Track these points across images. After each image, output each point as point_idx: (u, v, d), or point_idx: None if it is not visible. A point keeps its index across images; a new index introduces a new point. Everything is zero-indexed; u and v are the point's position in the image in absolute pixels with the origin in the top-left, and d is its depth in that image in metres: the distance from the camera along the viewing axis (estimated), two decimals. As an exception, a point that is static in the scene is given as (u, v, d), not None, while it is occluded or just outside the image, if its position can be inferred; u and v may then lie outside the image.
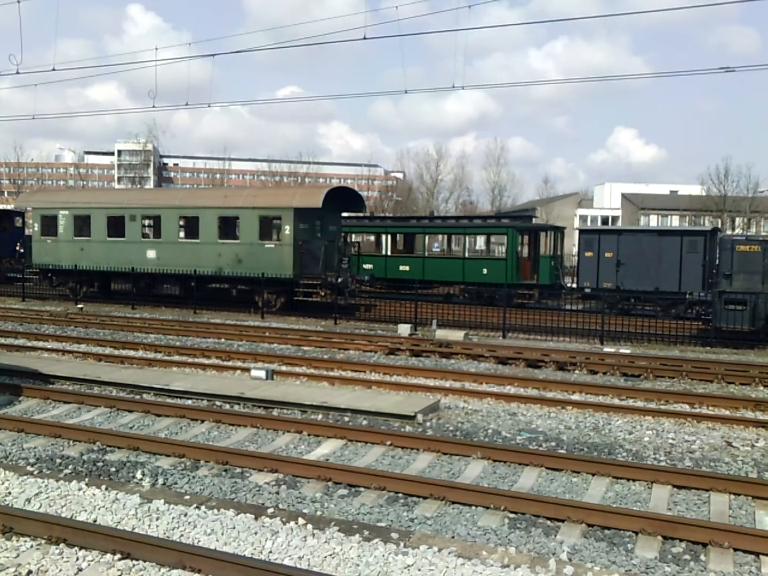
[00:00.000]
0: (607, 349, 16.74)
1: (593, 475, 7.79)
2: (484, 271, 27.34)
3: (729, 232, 55.17)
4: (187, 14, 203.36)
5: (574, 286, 25.86)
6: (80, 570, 5.28)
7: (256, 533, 5.88)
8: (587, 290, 24.69)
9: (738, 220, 60.45)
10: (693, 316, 21.84)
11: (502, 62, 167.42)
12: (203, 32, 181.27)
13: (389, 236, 30.88)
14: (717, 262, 21.37)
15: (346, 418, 10.04)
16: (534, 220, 34.10)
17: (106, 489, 6.89)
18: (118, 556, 5.40)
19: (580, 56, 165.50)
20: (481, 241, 33.01)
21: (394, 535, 5.96)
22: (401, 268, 28.75)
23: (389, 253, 30.13)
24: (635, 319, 19.25)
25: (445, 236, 33.41)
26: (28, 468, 7.70)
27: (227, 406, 10.58)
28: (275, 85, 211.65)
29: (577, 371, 14.16)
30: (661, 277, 23.28)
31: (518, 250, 27.71)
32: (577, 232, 30.85)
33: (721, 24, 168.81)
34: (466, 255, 29.34)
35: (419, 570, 5.27)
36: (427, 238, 30.50)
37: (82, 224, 26.73)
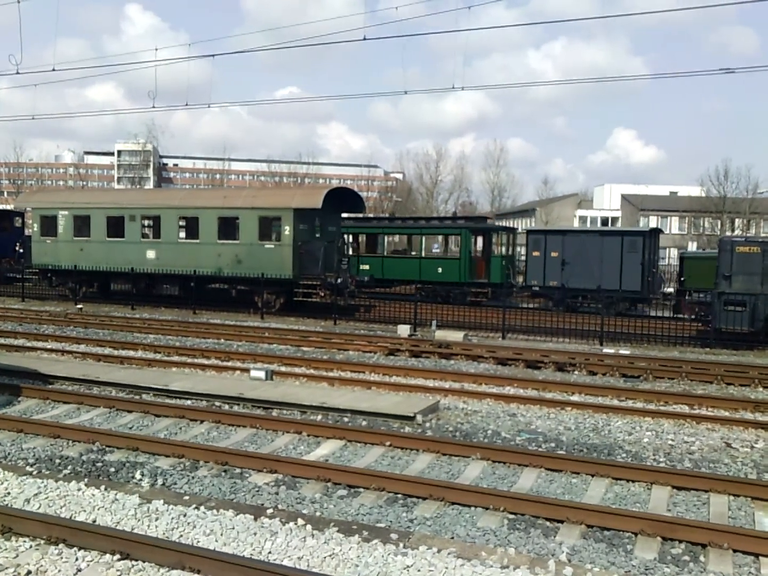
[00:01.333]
0: (606, 350, 16.74)
1: (593, 476, 7.79)
2: (440, 270, 28.31)
3: (728, 233, 55.18)
4: (185, 14, 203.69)
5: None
6: (79, 570, 5.27)
7: (255, 534, 5.88)
8: (535, 288, 25.68)
9: (737, 222, 60.42)
10: (636, 313, 22.64)
11: (501, 63, 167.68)
12: (201, 32, 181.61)
13: (351, 237, 31.39)
14: (648, 260, 23.60)
15: (346, 419, 10.04)
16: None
17: (106, 489, 6.89)
18: (118, 556, 5.40)
19: (579, 56, 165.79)
20: (436, 242, 33.95)
21: (394, 536, 5.96)
22: (362, 267, 29.51)
23: (351, 252, 30.68)
24: (635, 320, 19.25)
25: (404, 237, 33.97)
26: (28, 468, 7.70)
27: (227, 407, 10.57)
28: (274, 86, 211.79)
29: (576, 372, 14.17)
30: (603, 276, 24.10)
31: (471, 250, 28.70)
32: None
33: (720, 25, 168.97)
34: (423, 255, 30.12)
35: (418, 571, 5.27)
36: (386, 238, 31.03)
37: (81, 224, 26.71)
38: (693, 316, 19.94)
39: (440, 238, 32.93)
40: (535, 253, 25.92)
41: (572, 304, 24.31)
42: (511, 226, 35.14)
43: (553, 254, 25.41)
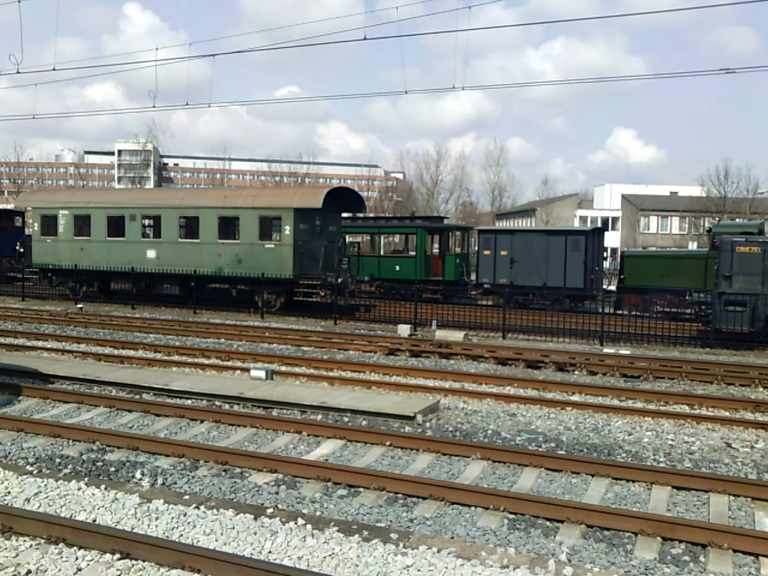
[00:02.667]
0: (606, 350, 16.74)
1: (593, 476, 7.79)
2: (397, 268, 29.30)
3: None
4: (183, 13, 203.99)
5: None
6: (79, 570, 5.27)
7: (255, 533, 5.88)
8: (486, 286, 26.52)
9: (738, 221, 60.39)
10: (583, 310, 23.39)
11: (500, 62, 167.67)
12: (200, 31, 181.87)
13: None
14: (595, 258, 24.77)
15: (346, 419, 10.04)
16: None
17: (106, 489, 6.89)
18: (118, 555, 5.40)
19: (578, 56, 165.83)
20: (394, 240, 34.49)
21: (394, 536, 5.96)
22: None
23: None
24: (635, 320, 19.26)
25: (365, 236, 34.44)
26: (28, 467, 7.70)
27: (227, 406, 10.58)
28: (273, 85, 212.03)
29: (576, 372, 14.17)
30: (548, 274, 25.18)
31: (427, 248, 29.59)
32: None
33: (718, 24, 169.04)
34: (381, 253, 30.84)
35: (418, 570, 5.27)
36: (347, 238, 31.46)
37: (82, 224, 26.72)
38: (634, 313, 20.83)
39: (397, 237, 33.48)
40: (486, 252, 26.84)
41: (523, 301, 25.11)
42: (510, 227, 35.45)
43: (503, 253, 26.38)
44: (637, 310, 21.75)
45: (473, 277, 29.75)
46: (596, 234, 26.56)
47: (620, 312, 21.93)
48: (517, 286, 25.39)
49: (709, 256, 22.47)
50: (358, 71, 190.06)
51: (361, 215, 33.52)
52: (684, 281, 22.30)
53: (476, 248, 29.51)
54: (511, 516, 6.71)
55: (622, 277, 24.36)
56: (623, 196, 73.99)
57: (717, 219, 55.12)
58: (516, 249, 26.20)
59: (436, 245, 30.38)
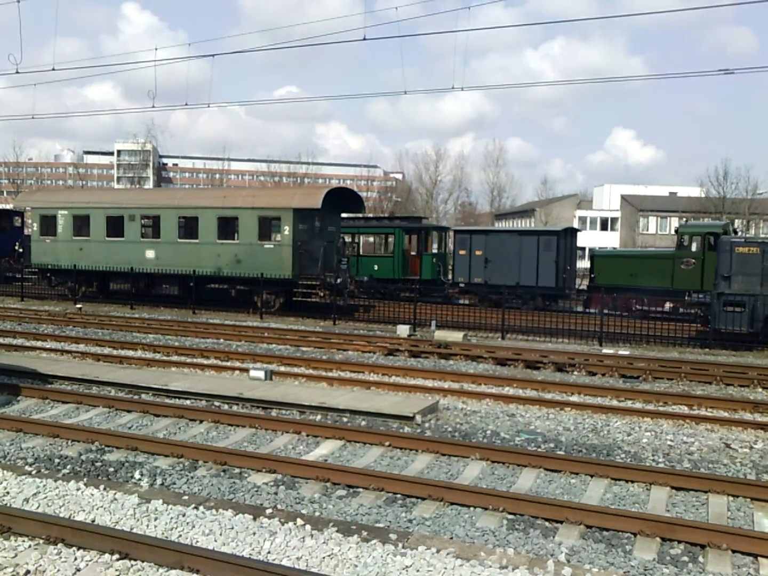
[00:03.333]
0: (605, 351, 16.75)
1: (592, 476, 7.79)
2: (375, 267, 29.84)
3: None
4: (182, 13, 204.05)
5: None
6: (78, 570, 5.27)
7: (254, 534, 5.88)
8: (461, 285, 27.13)
9: (737, 222, 60.41)
10: (559, 308, 24.19)
11: (499, 63, 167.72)
12: (199, 31, 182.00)
13: None
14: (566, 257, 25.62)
15: (345, 419, 10.04)
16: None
17: (105, 489, 6.88)
18: (117, 556, 5.39)
19: (578, 56, 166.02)
20: (373, 240, 34.94)
21: (393, 536, 5.96)
22: None
23: None
24: (634, 321, 19.26)
25: (344, 236, 34.37)
26: (27, 468, 7.69)
27: (226, 407, 10.57)
28: (272, 85, 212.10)
29: (575, 372, 14.17)
30: (521, 273, 25.71)
31: (405, 248, 30.13)
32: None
33: (718, 25, 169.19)
34: (361, 252, 31.13)
35: (417, 571, 5.27)
36: None
37: (81, 224, 26.71)
38: (606, 311, 21.15)
39: (376, 237, 33.81)
40: (462, 252, 27.28)
41: (497, 300, 25.45)
42: (485, 227, 35.79)
43: (477, 253, 26.87)
44: (607, 308, 22.03)
45: (450, 276, 30.30)
46: (568, 234, 27.11)
47: (591, 310, 22.60)
48: (492, 285, 25.88)
49: (676, 255, 23.28)
50: (358, 71, 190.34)
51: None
52: (652, 281, 22.79)
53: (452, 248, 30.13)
54: (510, 516, 6.71)
55: (592, 276, 24.94)
56: (622, 197, 74.04)
57: (685, 220, 55.26)
58: (490, 249, 26.75)
59: (413, 245, 31.02)
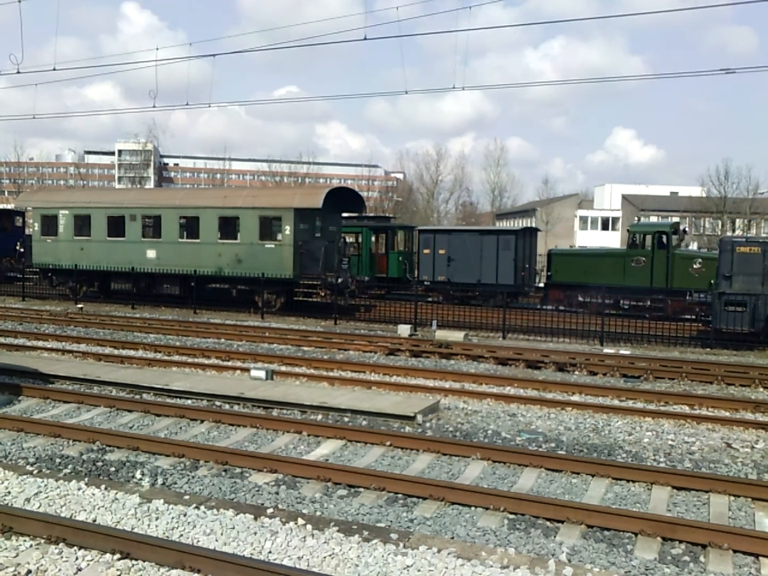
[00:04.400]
0: (606, 350, 16.74)
1: (593, 476, 7.79)
2: (344, 266, 29.91)
3: (729, 233, 55.13)
4: (182, 13, 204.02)
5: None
6: (79, 570, 5.28)
7: (255, 533, 5.88)
8: (426, 283, 27.61)
9: (738, 222, 60.41)
10: (520, 305, 24.70)
11: (498, 62, 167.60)
12: (198, 31, 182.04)
13: None
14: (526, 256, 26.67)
15: (346, 419, 10.04)
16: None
17: (106, 489, 6.89)
18: (118, 555, 5.40)
19: (577, 56, 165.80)
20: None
21: (394, 536, 5.96)
22: None
23: None
24: (635, 321, 19.26)
25: None
26: (28, 467, 7.69)
27: (227, 406, 10.58)
28: (273, 85, 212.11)
29: (576, 372, 14.16)
30: (482, 271, 26.29)
31: (372, 247, 30.74)
32: (577, 233, 32.13)
33: (718, 24, 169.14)
34: None
35: (418, 571, 5.27)
36: None
37: (82, 224, 26.71)
38: (560, 308, 22.61)
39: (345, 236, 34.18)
40: (426, 251, 27.77)
41: (462, 297, 26.34)
42: (448, 227, 36.20)
43: (441, 252, 27.33)
44: (563, 305, 23.47)
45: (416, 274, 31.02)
46: (527, 234, 27.83)
47: (548, 307, 23.44)
48: (454, 283, 26.61)
49: (627, 254, 24.15)
50: (358, 71, 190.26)
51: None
52: (605, 278, 23.21)
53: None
54: (511, 516, 6.71)
55: (549, 274, 25.82)
56: (623, 197, 73.98)
57: (663, 217, 55.56)
58: (453, 248, 27.25)
59: (380, 244, 31.63)
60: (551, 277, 25.56)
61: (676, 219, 44.34)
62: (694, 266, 22.90)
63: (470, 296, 26.51)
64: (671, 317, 20.95)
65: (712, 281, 21.40)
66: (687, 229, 28.96)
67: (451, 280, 26.60)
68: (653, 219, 68.80)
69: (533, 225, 34.23)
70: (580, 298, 23.23)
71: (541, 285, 27.63)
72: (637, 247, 24.08)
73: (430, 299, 26.17)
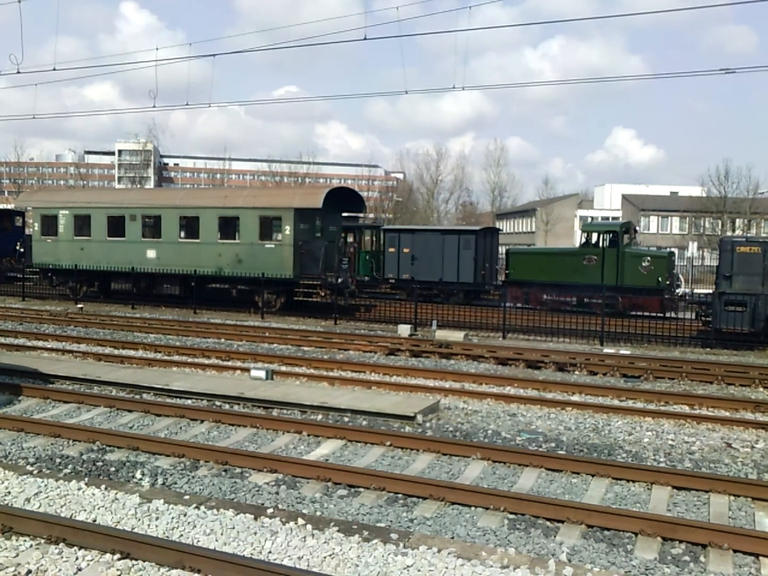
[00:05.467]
0: (606, 350, 16.74)
1: (593, 476, 7.79)
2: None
3: (729, 233, 55.12)
4: (180, 12, 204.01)
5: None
6: (79, 569, 5.28)
7: (255, 533, 5.88)
8: (391, 281, 28.50)
9: (738, 222, 60.38)
10: (481, 303, 25.63)
11: (497, 62, 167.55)
12: (197, 30, 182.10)
13: None
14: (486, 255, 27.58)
15: (346, 419, 10.04)
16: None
17: (106, 489, 6.89)
18: (118, 555, 5.40)
19: (577, 56, 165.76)
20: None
21: (394, 536, 5.96)
22: None
23: None
24: (635, 321, 19.27)
25: None
26: (28, 467, 7.70)
27: (227, 406, 10.58)
28: (272, 85, 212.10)
29: (576, 372, 14.16)
30: (444, 270, 27.03)
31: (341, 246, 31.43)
32: (577, 233, 32.49)
33: (717, 24, 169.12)
34: None
35: (419, 570, 5.27)
36: None
37: (82, 224, 26.72)
38: (519, 305, 23.52)
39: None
40: (391, 249, 28.55)
41: (426, 295, 26.79)
42: (413, 226, 36.78)
43: (405, 250, 28.16)
44: (520, 302, 24.27)
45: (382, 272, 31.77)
46: (487, 234, 28.67)
47: (510, 305, 24.02)
48: (418, 281, 27.11)
49: (580, 253, 25.02)
50: (357, 71, 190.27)
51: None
52: (559, 276, 24.40)
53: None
54: (512, 516, 6.71)
55: (507, 272, 26.61)
56: (623, 196, 73.99)
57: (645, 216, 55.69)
58: (416, 247, 27.98)
59: (350, 243, 32.00)
60: (509, 275, 26.31)
61: (627, 219, 45.17)
62: (643, 264, 23.71)
63: (434, 294, 27.11)
64: (622, 313, 21.75)
65: (659, 279, 23.17)
66: (638, 228, 29.98)
67: (414, 278, 27.15)
68: (650, 220, 68.97)
69: (533, 225, 34.46)
70: (546, 297, 24.14)
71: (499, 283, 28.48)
72: (589, 245, 24.85)
73: (398, 297, 26.89)
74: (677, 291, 24.33)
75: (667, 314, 22.20)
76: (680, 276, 26.92)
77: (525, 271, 25.61)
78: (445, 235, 27.87)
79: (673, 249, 33.49)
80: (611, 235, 24.54)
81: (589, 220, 71.39)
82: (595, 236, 24.93)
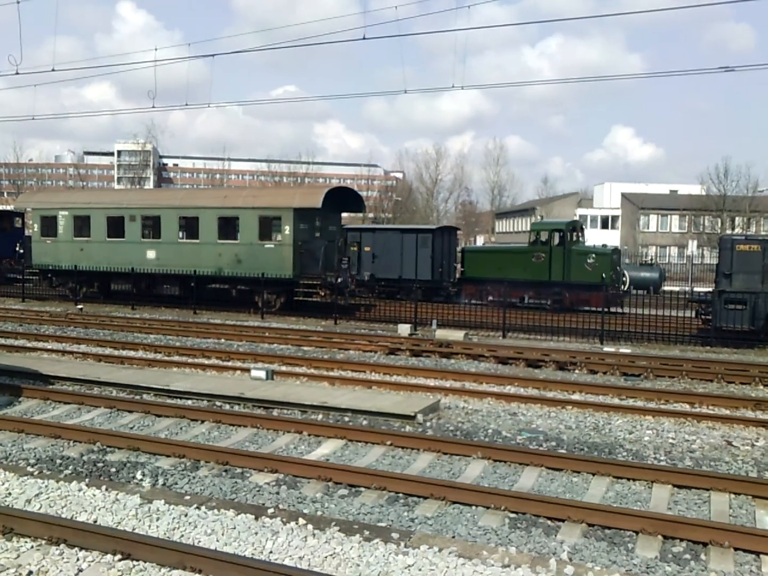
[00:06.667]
0: (607, 349, 16.74)
1: (593, 474, 7.79)
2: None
3: (729, 231, 55.12)
4: (178, 12, 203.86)
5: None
6: (80, 570, 5.28)
7: (256, 533, 5.88)
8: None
9: (738, 220, 60.40)
10: (442, 299, 26.45)
11: (496, 61, 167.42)
12: (194, 30, 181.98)
13: None
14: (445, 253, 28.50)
15: (347, 418, 10.04)
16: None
17: (107, 489, 6.88)
18: (119, 556, 5.40)
19: (575, 54, 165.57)
20: None
21: (395, 535, 5.96)
22: None
23: None
24: (635, 319, 19.27)
25: None
26: (29, 469, 7.70)
27: (227, 407, 10.57)
28: (270, 85, 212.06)
29: (577, 371, 14.17)
30: (403, 267, 27.84)
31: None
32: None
33: (716, 22, 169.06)
34: None
35: (420, 570, 5.27)
36: None
37: (81, 225, 26.72)
38: (474, 301, 24.39)
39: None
40: (353, 248, 28.77)
41: (387, 292, 27.88)
42: (373, 226, 37.54)
43: (366, 249, 28.92)
44: (475, 298, 25.08)
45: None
46: (444, 232, 29.53)
47: (465, 301, 25.09)
48: (379, 279, 27.95)
49: (529, 250, 26.23)
50: (356, 70, 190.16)
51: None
52: (510, 273, 24.89)
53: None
54: (512, 515, 6.71)
55: (462, 270, 27.84)
56: (623, 195, 73.96)
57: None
58: (377, 245, 28.72)
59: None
60: (464, 273, 27.51)
61: (575, 218, 46.30)
62: (588, 261, 24.90)
63: (394, 291, 27.77)
64: (568, 308, 22.63)
65: (604, 275, 24.15)
66: (584, 226, 31.08)
67: (376, 275, 27.71)
68: (650, 219, 69.00)
69: (582, 224, 34.82)
70: (490, 297, 24.91)
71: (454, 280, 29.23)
72: (538, 243, 25.97)
73: (357, 294, 27.65)
74: (623, 287, 25.67)
75: (612, 309, 22.97)
76: (625, 272, 28.12)
77: (479, 269, 26.76)
78: (404, 234, 28.60)
79: (667, 246, 34.23)
80: (558, 233, 25.67)
81: (589, 218, 71.54)
82: (543, 234, 26.03)
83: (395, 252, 28.17)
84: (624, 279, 26.76)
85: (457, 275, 29.21)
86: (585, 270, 24.79)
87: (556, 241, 25.58)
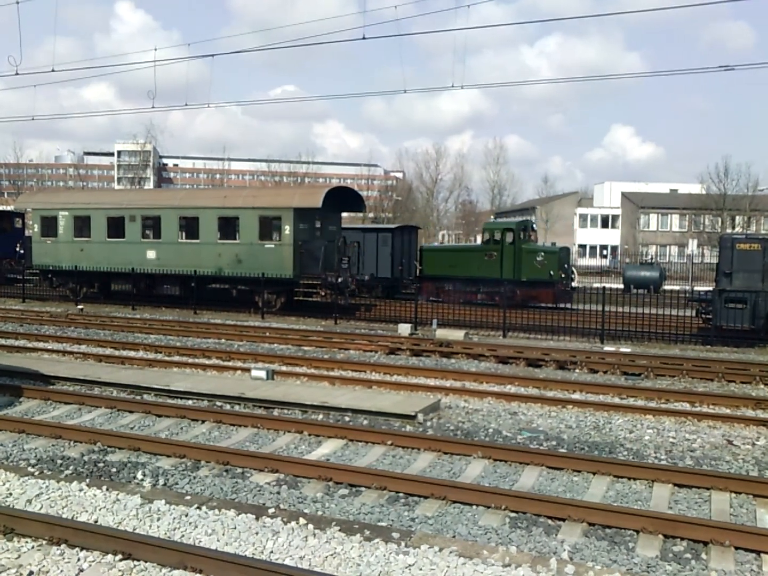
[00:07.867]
0: (607, 348, 16.74)
1: (594, 474, 7.79)
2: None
3: (729, 230, 55.12)
4: (176, 12, 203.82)
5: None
6: (81, 571, 5.28)
7: (257, 533, 5.88)
8: None
9: (738, 219, 60.41)
10: (400, 296, 27.25)
11: (495, 60, 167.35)
12: (193, 30, 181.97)
13: None
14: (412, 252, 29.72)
15: (347, 418, 10.04)
16: (533, 219, 36.24)
17: (107, 490, 6.89)
18: (120, 556, 5.40)
19: (574, 53, 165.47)
20: None
21: (395, 535, 5.96)
22: None
23: None
24: (636, 318, 19.26)
25: None
26: (29, 469, 7.70)
27: (228, 407, 10.58)
28: (269, 84, 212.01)
29: (577, 370, 14.16)
30: (365, 266, 27.68)
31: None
32: (576, 231, 33.24)
33: (715, 20, 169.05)
34: None
35: (420, 570, 5.27)
36: None
37: (81, 225, 26.73)
38: (432, 298, 24.97)
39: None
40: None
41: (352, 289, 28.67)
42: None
43: None
44: (433, 296, 25.81)
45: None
46: (404, 231, 30.37)
47: (431, 299, 25.49)
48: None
49: (483, 249, 27.29)
50: (354, 70, 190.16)
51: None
52: (465, 271, 26.40)
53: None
54: (513, 515, 6.71)
55: (420, 268, 28.60)
56: (623, 194, 73.99)
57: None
58: None
59: None
60: (422, 271, 28.23)
61: (528, 217, 47.33)
62: (537, 259, 25.85)
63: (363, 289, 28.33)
64: (520, 305, 23.12)
65: (552, 272, 25.14)
66: (535, 226, 31.89)
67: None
68: (650, 218, 69.02)
69: (533, 223, 34.85)
70: (452, 290, 25.44)
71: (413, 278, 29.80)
72: (490, 242, 26.95)
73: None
74: (571, 284, 26.44)
75: (560, 305, 23.82)
76: (574, 270, 29.07)
77: (436, 267, 27.63)
78: (365, 233, 28.95)
79: (668, 245, 34.59)
80: (509, 232, 26.65)
81: (589, 218, 71.60)
82: (495, 234, 26.98)
83: (357, 251, 28.66)
84: (573, 276, 27.58)
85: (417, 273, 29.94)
86: (534, 267, 25.72)
87: (509, 240, 26.42)
